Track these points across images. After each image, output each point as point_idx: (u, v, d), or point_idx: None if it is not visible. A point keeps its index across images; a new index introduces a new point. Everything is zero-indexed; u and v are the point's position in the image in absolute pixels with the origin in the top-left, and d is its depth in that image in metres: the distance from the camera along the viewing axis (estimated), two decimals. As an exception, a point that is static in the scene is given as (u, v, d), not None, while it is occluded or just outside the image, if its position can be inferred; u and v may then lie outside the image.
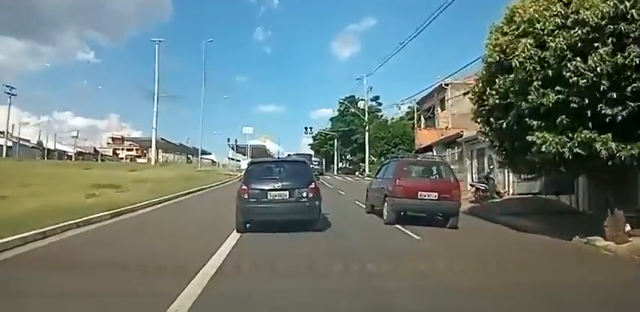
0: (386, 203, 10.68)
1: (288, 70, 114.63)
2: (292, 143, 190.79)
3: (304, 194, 8.85)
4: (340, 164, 66.45)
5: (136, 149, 68.21)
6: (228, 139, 50.75)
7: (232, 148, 45.91)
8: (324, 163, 76.52)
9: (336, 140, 66.02)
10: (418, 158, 12.76)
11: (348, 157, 71.09)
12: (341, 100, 63.04)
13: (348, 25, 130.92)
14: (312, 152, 75.34)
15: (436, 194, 10.21)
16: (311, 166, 10.72)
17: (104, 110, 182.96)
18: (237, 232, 8.67)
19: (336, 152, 66.29)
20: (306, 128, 59.76)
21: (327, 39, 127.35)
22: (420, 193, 10.23)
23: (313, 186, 9.06)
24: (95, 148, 77.83)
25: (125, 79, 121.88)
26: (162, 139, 68.29)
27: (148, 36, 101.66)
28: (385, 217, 10.64)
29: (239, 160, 59.79)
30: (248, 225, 8.87)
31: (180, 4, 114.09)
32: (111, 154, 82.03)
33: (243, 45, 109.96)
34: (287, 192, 8.82)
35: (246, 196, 8.79)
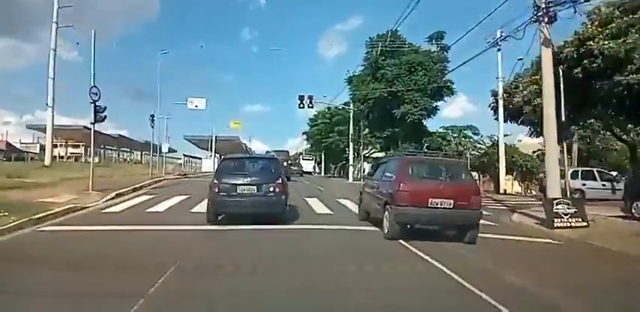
0: (387, 212, 8.92)
1: (274, 69, 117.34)
2: (278, 143, 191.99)
3: (271, 189, 9.79)
4: (365, 164, 41.33)
5: (84, 145, 59.49)
6: (152, 117, 26.53)
7: (152, 125, 25.59)
8: (322, 162, 59.16)
9: (351, 121, 39.50)
10: (425, 156, 10.99)
11: (370, 153, 44.10)
12: (372, 39, 36.27)
13: (335, 25, 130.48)
14: (303, 149, 67.30)
15: (451, 201, 8.49)
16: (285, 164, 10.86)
17: (88, 109, 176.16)
18: (208, 222, 9.74)
19: (351, 144, 40.57)
20: (301, 99, 35.42)
21: (314, 39, 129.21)
22: (430, 200, 8.49)
23: (280, 181, 10.02)
24: (9, 143, 61.98)
25: (109, 78, 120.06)
26: (85, 127, 46.24)
27: (134, 35, 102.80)
28: (386, 231, 8.88)
29: (199, 158, 50.71)
30: (219, 217, 9.93)
31: (166, 3, 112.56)
32: (37, 150, 70.70)
33: (230, 44, 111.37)
34: (255, 187, 9.77)
35: (216, 190, 9.73)
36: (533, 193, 32.17)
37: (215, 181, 9.91)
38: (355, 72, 39.66)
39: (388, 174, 9.79)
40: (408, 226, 8.88)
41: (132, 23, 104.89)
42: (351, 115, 40.29)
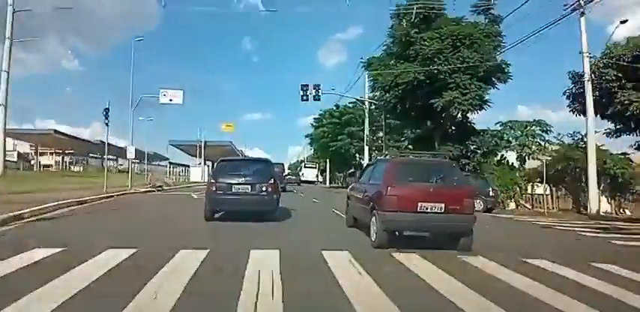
0: (374, 219, 8.37)
1: (275, 77, 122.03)
2: (279, 151, 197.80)
3: (264, 188, 10.76)
4: None
5: (55, 153, 56.35)
6: (106, 110, 21.19)
7: (106, 121, 20.92)
8: (327, 171, 54.33)
9: (366, 119, 33.99)
10: (414, 157, 10.44)
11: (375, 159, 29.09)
12: (400, 7, 27.28)
13: (335, 34, 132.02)
14: (305, 156, 67.00)
15: (442, 205, 7.95)
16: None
17: (89, 118, 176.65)
18: (205, 220, 10.65)
19: (366, 148, 34.87)
20: (305, 89, 31.87)
21: (314, 48, 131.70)
22: (420, 204, 7.95)
23: (272, 182, 10.98)
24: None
25: (109, 87, 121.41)
26: (55, 131, 47.12)
27: (138, 44, 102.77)
28: (374, 238, 8.31)
29: (187, 166, 48.19)
30: (216, 215, 11.05)
31: (166, 12, 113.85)
32: (15, 158, 61.89)
33: (231, 53, 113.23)
34: (249, 186, 10.75)
35: (214, 188, 10.76)
36: (627, 213, 23.69)
37: (212, 181, 11.03)
38: (375, 54, 30.67)
39: (375, 177, 9.25)
40: (397, 233, 8.34)
41: (131, 33, 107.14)
42: (366, 111, 33.36)
